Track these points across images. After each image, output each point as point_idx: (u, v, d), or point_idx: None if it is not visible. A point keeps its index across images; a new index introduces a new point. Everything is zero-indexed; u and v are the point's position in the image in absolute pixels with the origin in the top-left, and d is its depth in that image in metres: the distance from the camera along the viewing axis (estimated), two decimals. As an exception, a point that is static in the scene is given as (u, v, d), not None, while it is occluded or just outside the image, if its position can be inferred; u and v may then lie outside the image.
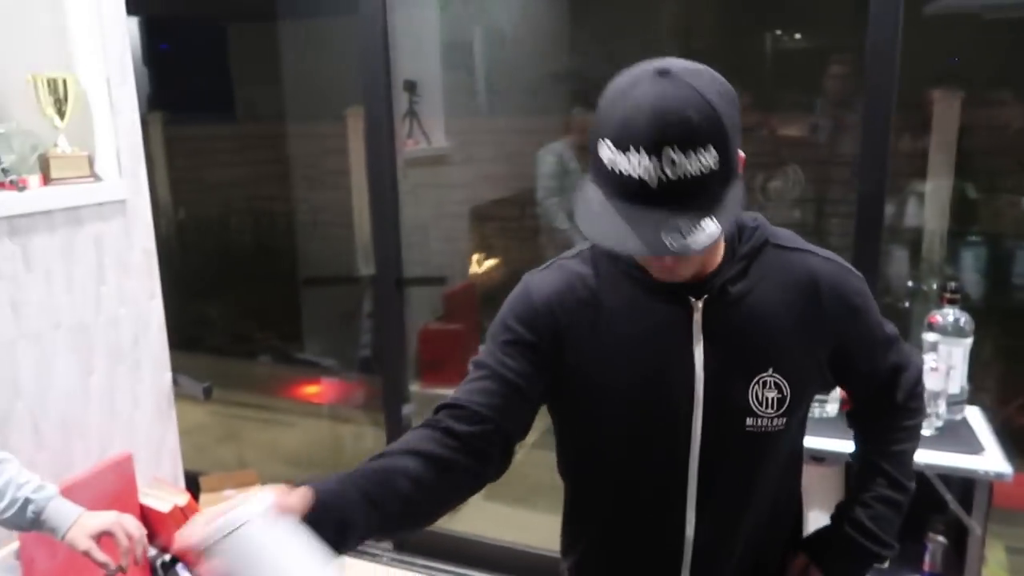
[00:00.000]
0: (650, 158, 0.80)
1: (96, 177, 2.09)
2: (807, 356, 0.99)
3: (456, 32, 4.22)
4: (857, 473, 1.16)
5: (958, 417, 1.78)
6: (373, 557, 2.75)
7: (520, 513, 3.19)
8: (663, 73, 0.82)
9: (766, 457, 1.01)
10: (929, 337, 1.72)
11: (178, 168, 4.23)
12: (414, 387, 3.34)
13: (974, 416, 1.82)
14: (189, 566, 1.83)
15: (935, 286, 2.87)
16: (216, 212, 4.43)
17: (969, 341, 1.76)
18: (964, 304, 3.36)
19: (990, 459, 1.61)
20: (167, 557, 1.85)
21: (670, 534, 1.03)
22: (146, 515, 1.81)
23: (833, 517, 1.15)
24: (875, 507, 1.09)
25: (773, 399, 0.96)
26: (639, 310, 0.97)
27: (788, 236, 1.02)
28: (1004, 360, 3.31)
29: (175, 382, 2.27)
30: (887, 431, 1.12)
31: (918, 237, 3.36)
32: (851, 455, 1.20)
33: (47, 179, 1.97)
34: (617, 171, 0.82)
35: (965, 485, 1.64)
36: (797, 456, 1.12)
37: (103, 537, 1.36)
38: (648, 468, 1.01)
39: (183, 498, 1.83)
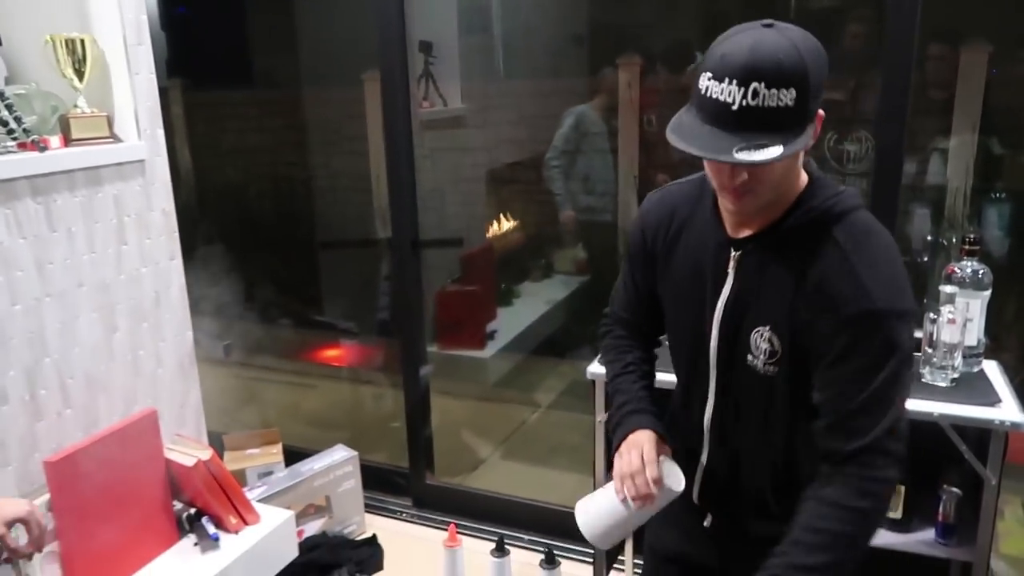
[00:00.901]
0: (739, 88, 0.95)
1: (116, 138, 2.11)
2: (803, 332, 1.09)
3: (475, -5, 4.19)
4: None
5: (975, 369, 1.77)
6: (393, 513, 2.81)
7: (538, 471, 3.23)
8: (768, 25, 0.99)
9: (764, 394, 1.16)
10: (947, 288, 1.70)
11: (198, 135, 4.25)
12: (431, 348, 3.38)
13: (991, 369, 1.80)
14: (212, 519, 1.88)
15: (954, 240, 2.82)
16: (236, 179, 4.47)
17: (987, 293, 1.73)
18: (986, 260, 3.32)
19: (1006, 410, 1.59)
20: (192, 511, 1.91)
21: (696, 415, 1.26)
22: (171, 469, 1.85)
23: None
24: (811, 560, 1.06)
25: (766, 350, 1.12)
26: (701, 247, 1.18)
27: (860, 239, 1.05)
28: (1026, 319, 3.28)
29: (196, 341, 2.31)
30: (829, 504, 1.06)
31: (942, 195, 3.31)
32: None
33: (67, 140, 1.99)
34: (710, 96, 0.98)
35: (980, 436, 1.64)
36: (807, 417, 1.12)
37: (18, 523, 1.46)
38: (687, 362, 1.27)
39: (206, 453, 1.86)
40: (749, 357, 1.14)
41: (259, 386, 3.84)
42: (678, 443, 1.29)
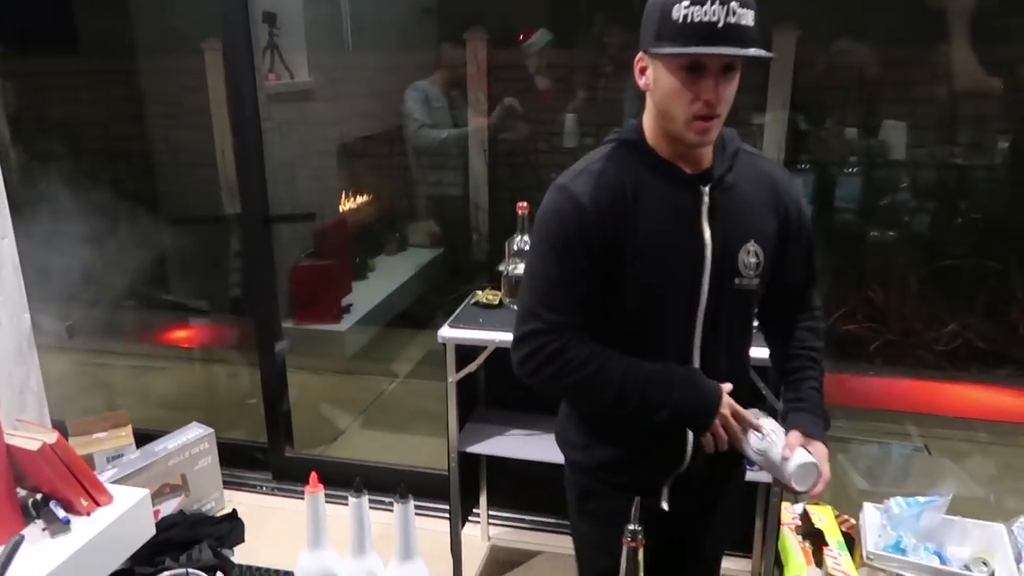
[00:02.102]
0: (721, 7, 1.10)
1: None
2: (772, 232, 1.33)
3: (317, -37, 4.12)
4: (792, 366, 1.44)
5: (772, 318, 2.04)
6: (253, 488, 2.82)
7: (397, 437, 3.33)
8: None
9: (744, 309, 1.36)
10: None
11: (16, 107, 3.95)
12: (287, 324, 3.37)
13: (786, 317, 2.09)
14: (61, 503, 1.84)
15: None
16: (64, 153, 4.19)
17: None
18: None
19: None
20: (39, 496, 1.86)
21: (683, 360, 1.32)
22: (14, 455, 1.80)
23: (790, 397, 1.42)
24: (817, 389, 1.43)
25: (753, 263, 1.29)
26: (669, 194, 1.26)
27: (750, 146, 1.38)
28: (830, 276, 3.72)
29: (35, 323, 2.22)
30: (812, 331, 1.46)
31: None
32: (775, 353, 1.51)
33: None
34: (692, 20, 1.11)
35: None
36: (751, 329, 1.44)
37: None
38: (669, 315, 1.30)
39: (52, 436, 1.81)
40: (737, 280, 1.29)
41: (104, 371, 3.68)
42: (653, 439, 1.35)
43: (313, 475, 1.34)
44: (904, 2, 3.70)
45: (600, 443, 1.41)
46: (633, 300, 1.28)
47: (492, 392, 2.41)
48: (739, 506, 1.64)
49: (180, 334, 4.03)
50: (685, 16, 1.11)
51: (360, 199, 4.36)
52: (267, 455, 2.90)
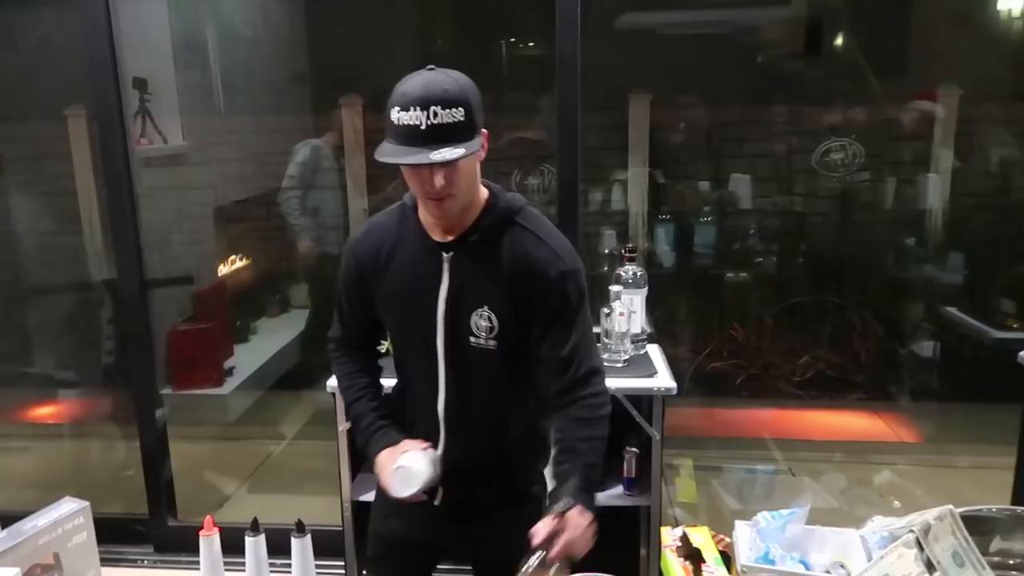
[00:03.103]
0: (422, 111, 1.24)
1: None
2: (513, 305, 1.39)
3: (188, 30, 4.12)
4: (557, 458, 1.42)
5: (641, 352, 2.22)
6: (133, 563, 2.69)
7: (286, 499, 3.27)
8: (431, 68, 1.31)
9: (487, 367, 1.42)
10: (614, 288, 2.13)
11: None
12: (165, 391, 3.27)
13: (653, 351, 2.27)
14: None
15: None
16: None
17: (644, 290, 2.20)
18: (658, 269, 3.98)
19: (661, 379, 2.05)
20: None
21: (430, 405, 1.47)
22: None
23: (559, 471, 1.41)
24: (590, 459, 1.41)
25: (485, 327, 1.40)
26: (415, 258, 1.42)
27: (537, 220, 1.44)
28: (696, 317, 4.01)
29: None
30: (580, 422, 1.40)
31: (625, 218, 3.95)
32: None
33: None
34: (401, 123, 1.26)
35: (648, 402, 2.07)
36: (525, 385, 1.47)
37: None
38: (418, 359, 1.47)
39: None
40: (471, 338, 1.40)
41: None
42: (420, 430, 1.50)
43: (208, 519, 1.36)
44: (742, 67, 4.14)
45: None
46: (393, 336, 1.55)
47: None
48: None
49: (45, 409, 3.80)
50: (398, 120, 1.27)
51: (239, 262, 4.31)
52: (148, 527, 2.79)
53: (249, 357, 3.85)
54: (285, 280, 4.44)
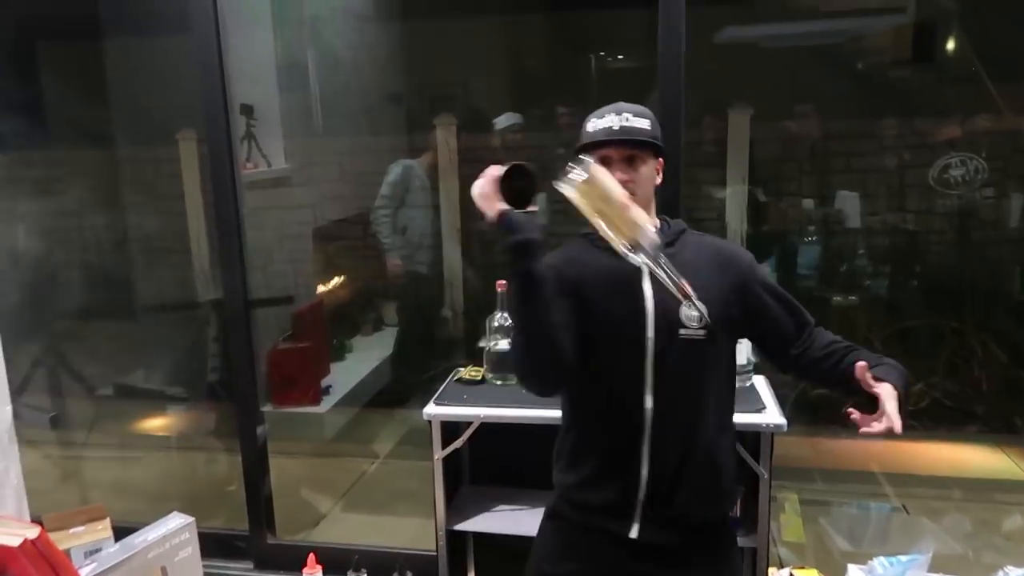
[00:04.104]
0: (616, 116, 1.47)
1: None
2: (719, 293, 1.47)
3: (291, 55, 4.27)
4: (833, 359, 1.50)
5: (747, 384, 2.11)
6: (234, 577, 2.76)
7: (380, 519, 3.29)
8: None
9: (696, 359, 1.46)
10: (720, 319, 2.04)
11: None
12: (266, 408, 3.36)
13: (760, 383, 2.15)
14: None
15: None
16: (38, 243, 4.21)
17: (752, 320, 2.09)
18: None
19: (770, 415, 1.93)
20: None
21: (636, 413, 1.46)
22: (-7, 553, 1.76)
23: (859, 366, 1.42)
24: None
25: (695, 316, 1.45)
26: (611, 263, 1.46)
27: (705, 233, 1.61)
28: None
29: (17, 414, 2.20)
30: (824, 337, 1.53)
31: (723, 237, 3.81)
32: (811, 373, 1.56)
33: None
34: (597, 128, 1.48)
35: (755, 439, 1.96)
36: (730, 377, 1.56)
37: None
38: (622, 366, 1.47)
39: (33, 531, 1.79)
40: (682, 331, 1.45)
41: (76, 464, 3.61)
42: (621, 439, 1.47)
43: (311, 556, 1.35)
44: (848, 78, 3.95)
45: (566, 469, 1.57)
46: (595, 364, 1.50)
47: (477, 469, 2.42)
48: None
49: (156, 421, 3.98)
50: (593, 127, 1.49)
51: (336, 280, 4.41)
52: (248, 543, 2.84)
53: (345, 375, 3.91)
54: (379, 298, 4.51)
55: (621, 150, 1.46)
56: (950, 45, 3.94)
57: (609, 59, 4.54)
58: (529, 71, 4.85)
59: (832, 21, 3.91)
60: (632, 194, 1.41)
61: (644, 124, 1.48)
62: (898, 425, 1.33)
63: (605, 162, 1.45)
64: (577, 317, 1.47)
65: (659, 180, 1.52)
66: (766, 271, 1.55)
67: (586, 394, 1.53)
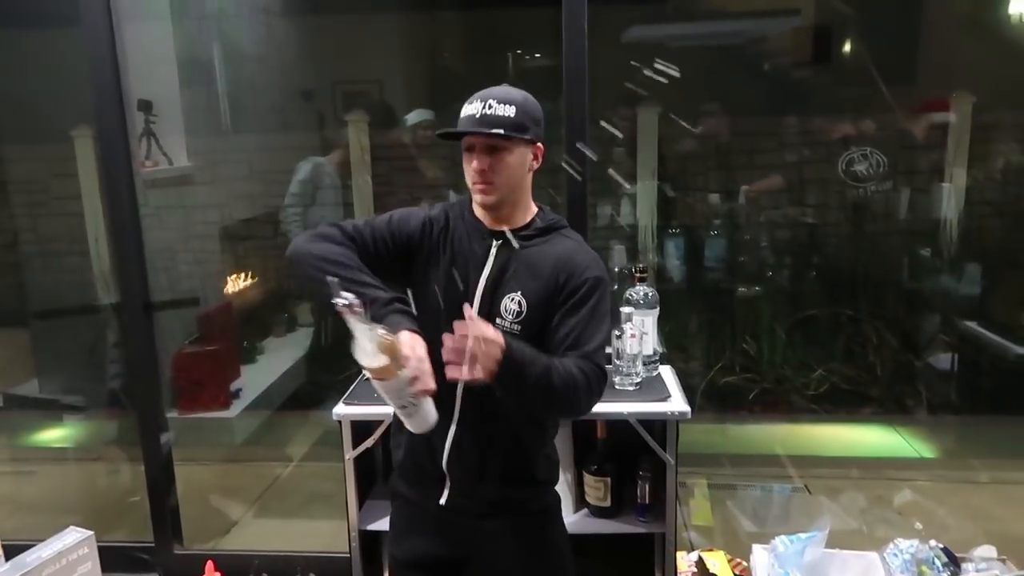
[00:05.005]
0: (480, 103, 1.48)
1: None
2: (545, 295, 1.51)
3: (194, 50, 4.12)
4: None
5: (654, 374, 2.17)
6: (139, 592, 2.65)
7: (294, 524, 3.22)
8: (499, 85, 1.54)
9: None
10: (625, 309, 2.08)
11: None
12: (171, 415, 3.24)
13: (666, 372, 2.22)
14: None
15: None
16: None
17: (656, 311, 2.14)
18: (668, 286, 3.93)
19: (675, 403, 1.99)
20: None
21: (447, 385, 1.41)
22: None
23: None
24: (559, 369, 1.43)
25: (514, 310, 1.52)
26: (469, 239, 1.56)
27: (577, 236, 1.62)
28: (707, 331, 3.95)
29: None
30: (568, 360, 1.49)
31: (635, 232, 3.90)
32: None
33: None
34: (464, 115, 1.50)
35: (662, 427, 2.01)
36: None
37: None
38: (440, 335, 1.38)
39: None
40: (497, 319, 1.51)
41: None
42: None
43: (209, 564, 1.31)
44: (750, 79, 4.10)
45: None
46: (419, 310, 1.54)
47: (391, 468, 2.40)
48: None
49: (52, 432, 3.78)
50: (462, 112, 1.51)
51: (245, 281, 4.29)
52: (154, 554, 2.74)
53: (256, 378, 3.81)
54: (292, 299, 4.41)
55: (481, 139, 1.49)
56: (846, 48, 4.13)
57: (527, 57, 4.57)
58: (444, 69, 4.83)
59: (733, 22, 4.04)
60: (488, 183, 1.49)
61: (508, 112, 1.48)
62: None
63: (470, 149, 1.51)
64: (391, 263, 1.54)
65: (536, 165, 1.55)
66: (596, 287, 1.52)
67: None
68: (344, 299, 1.25)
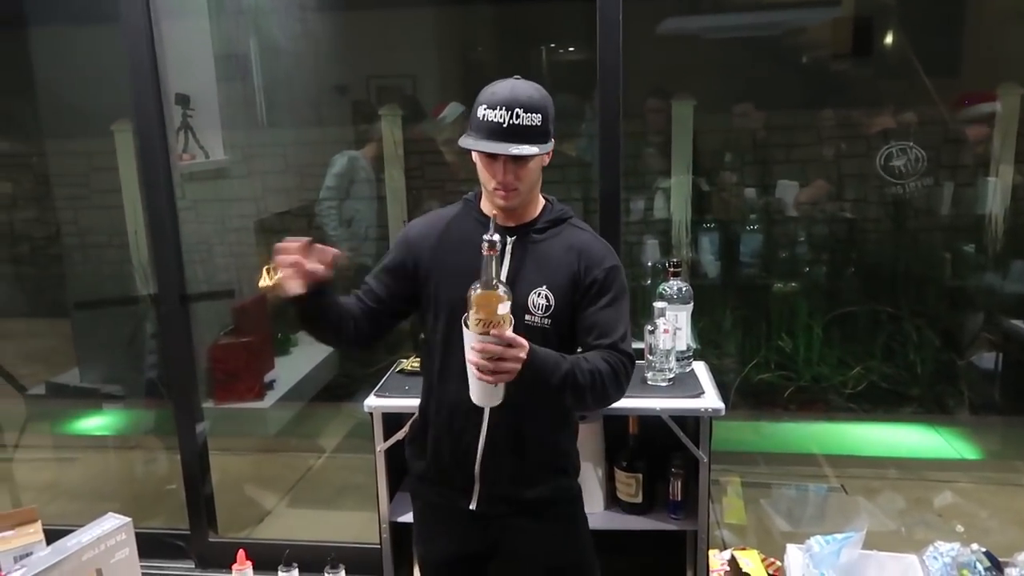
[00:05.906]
0: (506, 111, 1.42)
1: None
2: (571, 285, 1.52)
3: (231, 45, 4.17)
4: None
5: (687, 370, 2.14)
6: (175, 578, 2.70)
7: (326, 514, 3.26)
8: (517, 77, 1.50)
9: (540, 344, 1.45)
10: (659, 304, 2.05)
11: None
12: (207, 405, 3.28)
13: (699, 368, 2.19)
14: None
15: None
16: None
17: (690, 306, 2.11)
18: (702, 281, 3.88)
19: (708, 400, 1.96)
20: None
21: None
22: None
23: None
24: (582, 366, 1.46)
25: (542, 305, 1.51)
26: (476, 238, 1.42)
27: (586, 225, 1.62)
28: (741, 327, 3.90)
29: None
30: (595, 355, 1.51)
31: (668, 227, 3.86)
32: None
33: None
34: (486, 119, 1.44)
35: (695, 424, 1.98)
36: None
37: None
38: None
39: (-45, 536, 1.73)
40: (527, 316, 1.50)
41: (7, 467, 3.48)
42: (459, 419, 1.56)
43: (240, 552, 1.32)
44: (788, 71, 4.03)
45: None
46: (438, 313, 1.56)
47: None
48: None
49: (92, 420, 3.86)
50: (483, 116, 1.45)
51: (279, 274, 4.33)
52: (189, 542, 2.79)
53: (289, 370, 3.85)
54: (326, 290, 4.44)
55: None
56: (887, 39, 4.04)
57: (560, 51, 4.55)
58: (478, 62, 4.83)
59: (771, 13, 3.97)
60: (512, 190, 1.49)
61: (535, 121, 1.44)
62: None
63: (492, 156, 1.47)
64: (397, 295, 1.58)
65: (547, 160, 1.54)
66: (615, 275, 1.55)
67: (431, 360, 1.61)
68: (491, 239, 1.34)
